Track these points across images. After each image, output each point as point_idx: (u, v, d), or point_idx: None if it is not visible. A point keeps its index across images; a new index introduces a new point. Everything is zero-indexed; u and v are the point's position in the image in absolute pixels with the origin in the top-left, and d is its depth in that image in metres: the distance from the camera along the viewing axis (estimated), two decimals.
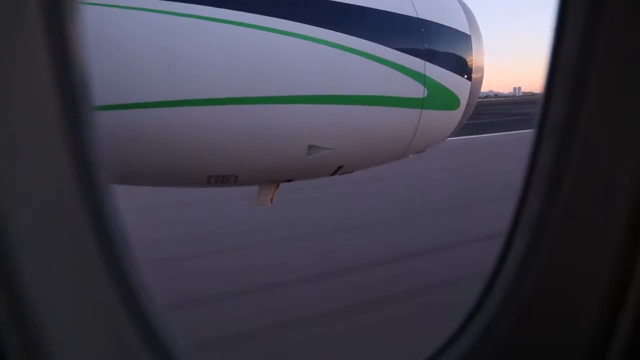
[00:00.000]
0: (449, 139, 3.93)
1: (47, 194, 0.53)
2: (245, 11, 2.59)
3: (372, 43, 2.90)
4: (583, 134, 0.54)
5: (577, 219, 0.57)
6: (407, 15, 3.11)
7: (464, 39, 3.46)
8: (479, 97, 4.03)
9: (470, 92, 3.52)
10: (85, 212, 0.56)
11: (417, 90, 3.11)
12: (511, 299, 0.63)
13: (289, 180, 3.46)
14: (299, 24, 2.71)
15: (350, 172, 3.62)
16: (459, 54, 3.45)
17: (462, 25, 3.46)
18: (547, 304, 0.61)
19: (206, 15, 2.54)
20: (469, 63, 3.48)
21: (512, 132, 20.89)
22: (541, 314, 0.61)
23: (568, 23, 0.57)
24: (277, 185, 3.51)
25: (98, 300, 0.58)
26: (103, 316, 0.59)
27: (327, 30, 2.78)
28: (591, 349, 0.59)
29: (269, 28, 2.65)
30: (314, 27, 2.74)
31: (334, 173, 3.40)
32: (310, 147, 2.96)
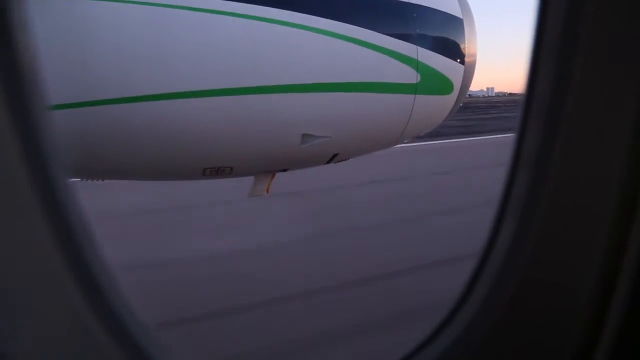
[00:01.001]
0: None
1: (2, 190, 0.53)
2: (236, 1, 2.57)
3: (363, 29, 2.88)
4: (568, 120, 0.54)
5: (564, 211, 0.57)
6: (398, 1, 3.09)
7: (456, 23, 3.45)
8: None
9: (463, 76, 3.51)
10: (43, 209, 0.55)
11: (410, 76, 3.10)
12: (494, 296, 0.62)
13: (284, 170, 3.46)
14: (290, 12, 2.69)
15: (345, 159, 3.62)
16: (451, 38, 3.44)
17: (454, 9, 3.44)
18: (531, 300, 0.60)
19: (196, 6, 2.52)
20: (461, 47, 3.47)
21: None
22: (525, 310, 0.60)
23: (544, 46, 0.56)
24: (273, 175, 3.51)
25: (60, 299, 0.57)
26: (68, 315, 0.57)
27: (318, 18, 2.76)
28: (579, 346, 0.59)
29: (260, 17, 2.63)
30: (305, 15, 2.72)
31: (329, 161, 3.40)
32: (305, 135, 2.96)
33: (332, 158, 3.34)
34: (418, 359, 0.69)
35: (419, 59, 3.11)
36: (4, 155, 0.52)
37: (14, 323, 0.53)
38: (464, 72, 3.51)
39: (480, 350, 0.63)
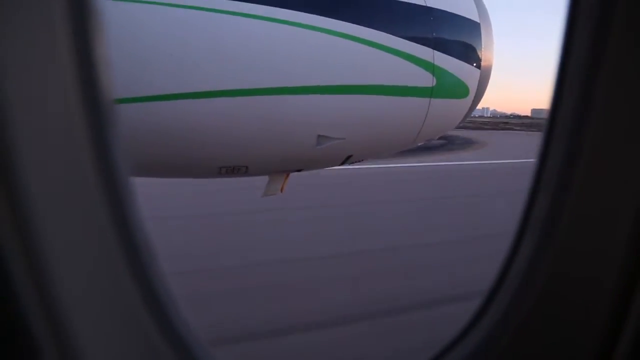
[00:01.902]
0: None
1: (71, 189, 0.55)
2: (255, 3, 2.61)
3: (380, 32, 2.90)
4: (591, 136, 0.55)
5: (584, 224, 0.57)
6: (415, 4, 3.10)
7: (473, 27, 3.44)
8: None
9: (479, 81, 3.51)
10: (107, 206, 0.57)
11: (426, 79, 3.11)
12: (514, 307, 0.63)
13: (298, 170, 3.48)
14: (308, 14, 2.72)
15: (359, 161, 3.64)
16: (468, 42, 3.44)
17: (471, 13, 3.44)
18: (550, 312, 0.60)
19: (216, 7, 2.56)
20: (478, 51, 3.47)
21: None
22: (544, 321, 0.60)
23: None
24: (287, 175, 3.54)
25: (118, 295, 0.59)
26: (124, 312, 0.59)
27: (335, 21, 2.78)
28: (595, 356, 0.59)
29: (278, 19, 2.66)
30: (322, 17, 2.75)
31: (343, 162, 3.42)
32: (320, 137, 2.98)
33: (346, 159, 3.36)
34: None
35: (435, 63, 3.12)
36: (75, 151, 0.55)
37: (76, 310, 0.55)
38: (480, 76, 3.50)
39: (500, 357, 0.64)
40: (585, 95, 0.55)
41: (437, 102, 3.20)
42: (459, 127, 3.90)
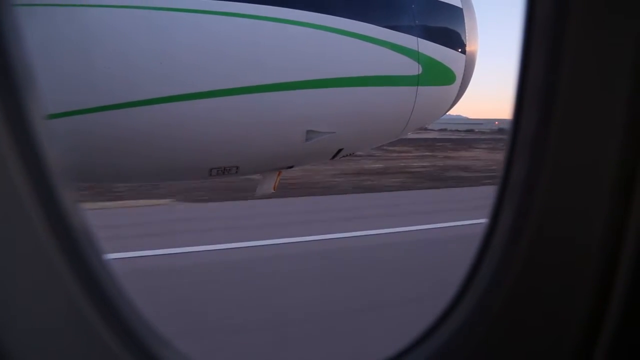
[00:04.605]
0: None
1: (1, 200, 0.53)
2: (233, 0, 2.58)
3: (362, 23, 2.88)
4: (563, 102, 0.55)
5: (560, 210, 0.57)
6: None
7: (455, 12, 3.44)
8: None
9: (465, 66, 3.50)
10: (44, 216, 0.55)
11: (412, 68, 3.10)
12: (490, 295, 0.62)
13: (290, 167, 3.47)
14: (287, 9, 2.70)
15: (350, 154, 3.63)
16: (451, 28, 3.43)
17: None
18: (529, 298, 0.60)
19: (195, 8, 2.54)
20: (462, 37, 3.46)
21: None
22: (524, 304, 0.60)
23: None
24: (279, 173, 3.53)
25: (63, 303, 0.57)
26: (73, 321, 0.57)
27: (317, 14, 2.76)
28: (577, 344, 0.58)
29: (257, 16, 2.64)
30: (302, 11, 2.73)
31: (334, 156, 3.41)
32: (309, 132, 2.97)
33: (337, 153, 3.35)
34: (417, 353, 0.69)
35: (420, 50, 3.11)
36: (3, 165, 0.53)
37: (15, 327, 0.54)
38: (466, 61, 3.50)
39: (478, 344, 0.63)
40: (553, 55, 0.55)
41: (424, 89, 3.19)
42: None
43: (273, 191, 3.60)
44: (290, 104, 2.82)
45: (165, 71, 2.52)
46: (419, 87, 3.16)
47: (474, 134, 48.61)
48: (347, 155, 3.55)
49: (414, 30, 3.09)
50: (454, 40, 3.41)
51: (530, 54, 0.58)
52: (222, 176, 3.06)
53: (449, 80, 3.44)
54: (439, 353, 0.66)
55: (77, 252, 0.58)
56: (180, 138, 2.72)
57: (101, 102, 2.47)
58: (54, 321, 0.57)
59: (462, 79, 3.53)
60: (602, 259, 0.57)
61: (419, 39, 3.09)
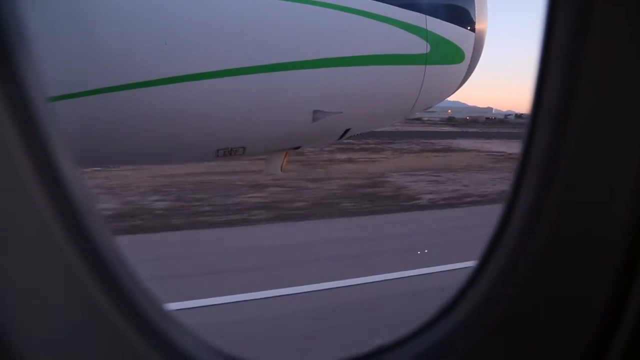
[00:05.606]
0: None
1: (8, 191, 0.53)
2: None
3: (370, 1, 2.84)
4: (579, 118, 0.53)
5: (579, 206, 0.55)
6: None
7: None
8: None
9: (474, 44, 3.45)
10: (51, 201, 0.55)
11: (420, 46, 3.06)
12: (502, 289, 0.61)
13: (296, 148, 3.46)
14: None
15: (357, 134, 3.61)
16: (460, 5, 3.37)
17: None
18: (544, 296, 0.58)
19: None
20: (471, 14, 3.39)
21: None
22: (537, 306, 0.59)
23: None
24: (286, 153, 3.52)
25: (76, 293, 0.56)
26: (87, 310, 0.57)
27: None
28: (591, 345, 0.57)
29: None
30: None
31: (342, 137, 3.39)
32: (316, 112, 2.95)
33: (345, 133, 3.33)
34: (420, 340, 0.68)
35: (428, 29, 3.06)
36: (6, 150, 0.52)
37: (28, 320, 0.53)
38: (475, 39, 3.44)
39: (485, 338, 0.62)
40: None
41: (432, 68, 3.15)
42: None
43: (281, 172, 3.60)
44: (297, 83, 2.79)
45: (171, 51, 2.51)
46: (427, 65, 3.12)
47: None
48: (354, 135, 3.53)
49: (421, 7, 3.03)
50: (463, 18, 3.35)
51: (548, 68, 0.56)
52: (229, 157, 3.06)
53: (458, 58, 3.39)
54: (448, 338, 0.65)
55: (86, 237, 0.58)
56: (187, 119, 2.72)
57: (105, 83, 2.46)
58: (59, 299, 0.57)
59: (471, 57, 3.47)
60: (620, 258, 0.55)
61: (427, 16, 3.04)
